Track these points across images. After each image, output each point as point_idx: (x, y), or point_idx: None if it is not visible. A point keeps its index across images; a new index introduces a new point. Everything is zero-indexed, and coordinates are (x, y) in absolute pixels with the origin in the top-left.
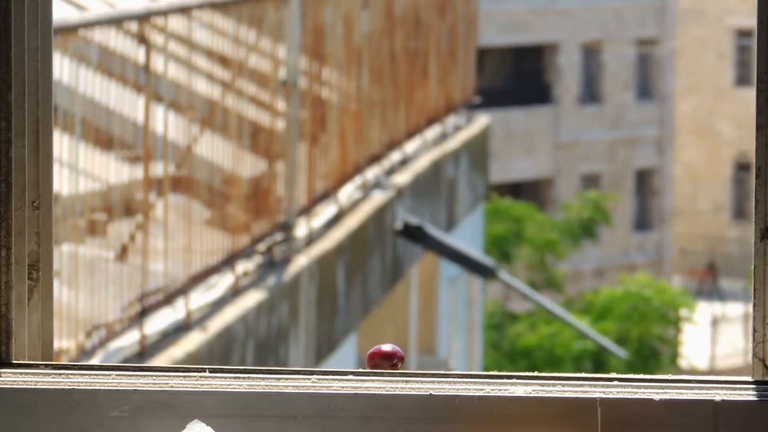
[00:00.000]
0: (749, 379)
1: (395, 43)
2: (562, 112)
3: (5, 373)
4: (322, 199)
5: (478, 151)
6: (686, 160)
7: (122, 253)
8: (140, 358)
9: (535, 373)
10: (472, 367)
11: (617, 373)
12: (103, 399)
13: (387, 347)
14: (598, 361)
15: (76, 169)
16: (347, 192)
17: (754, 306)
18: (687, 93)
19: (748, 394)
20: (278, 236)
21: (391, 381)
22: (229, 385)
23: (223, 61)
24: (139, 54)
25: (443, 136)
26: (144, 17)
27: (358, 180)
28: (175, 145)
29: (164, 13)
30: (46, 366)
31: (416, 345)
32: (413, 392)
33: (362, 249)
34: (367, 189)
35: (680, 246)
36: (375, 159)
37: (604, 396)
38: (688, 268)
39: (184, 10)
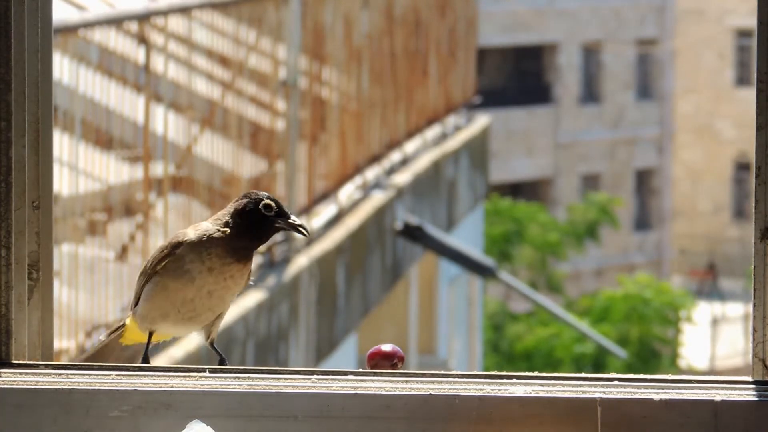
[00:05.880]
0: (749, 379)
1: (395, 43)
2: (562, 112)
3: (5, 373)
4: (322, 199)
5: (478, 151)
6: (686, 160)
7: (122, 253)
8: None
9: (535, 374)
10: (472, 367)
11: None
12: (103, 399)
13: (387, 347)
14: (597, 364)
15: (76, 169)
16: (347, 192)
17: (754, 306)
18: (687, 93)
19: (748, 394)
20: (278, 236)
21: (391, 381)
22: (229, 385)
23: (223, 61)
24: (139, 54)
25: (443, 136)
26: (144, 17)
27: (358, 180)
28: (175, 145)
29: (164, 13)
30: (46, 366)
31: (416, 345)
32: (413, 392)
33: (362, 249)
34: (367, 189)
35: (680, 246)
36: (375, 159)
37: (604, 396)
38: (688, 268)
39: (184, 10)
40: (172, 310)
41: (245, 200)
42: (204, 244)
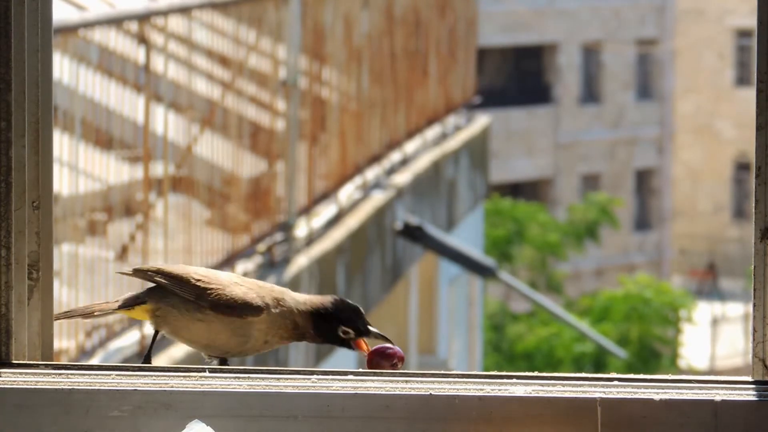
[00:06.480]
0: (749, 379)
1: (395, 43)
2: (562, 112)
3: (5, 373)
4: (322, 199)
5: (478, 151)
6: (686, 160)
7: (122, 253)
8: (140, 358)
9: (535, 373)
10: (472, 367)
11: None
12: (103, 399)
13: (387, 347)
14: (597, 364)
15: (76, 169)
16: (347, 192)
17: (754, 306)
18: (687, 93)
19: (748, 394)
20: (278, 236)
21: (391, 381)
22: (229, 385)
23: (223, 61)
24: (139, 54)
25: (443, 136)
26: (144, 17)
27: (358, 180)
28: (175, 145)
29: (164, 13)
30: (46, 366)
31: (416, 345)
32: (413, 392)
33: (362, 249)
34: (367, 189)
35: (680, 246)
36: (375, 159)
37: (604, 396)
38: (688, 268)
39: (184, 10)
40: (200, 345)
41: (332, 306)
42: (278, 323)
